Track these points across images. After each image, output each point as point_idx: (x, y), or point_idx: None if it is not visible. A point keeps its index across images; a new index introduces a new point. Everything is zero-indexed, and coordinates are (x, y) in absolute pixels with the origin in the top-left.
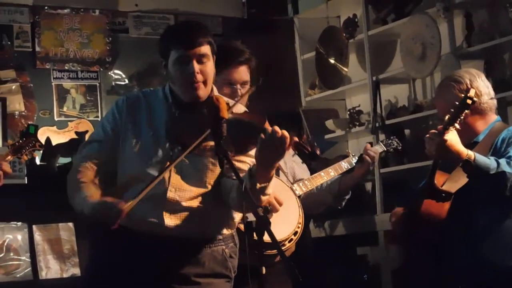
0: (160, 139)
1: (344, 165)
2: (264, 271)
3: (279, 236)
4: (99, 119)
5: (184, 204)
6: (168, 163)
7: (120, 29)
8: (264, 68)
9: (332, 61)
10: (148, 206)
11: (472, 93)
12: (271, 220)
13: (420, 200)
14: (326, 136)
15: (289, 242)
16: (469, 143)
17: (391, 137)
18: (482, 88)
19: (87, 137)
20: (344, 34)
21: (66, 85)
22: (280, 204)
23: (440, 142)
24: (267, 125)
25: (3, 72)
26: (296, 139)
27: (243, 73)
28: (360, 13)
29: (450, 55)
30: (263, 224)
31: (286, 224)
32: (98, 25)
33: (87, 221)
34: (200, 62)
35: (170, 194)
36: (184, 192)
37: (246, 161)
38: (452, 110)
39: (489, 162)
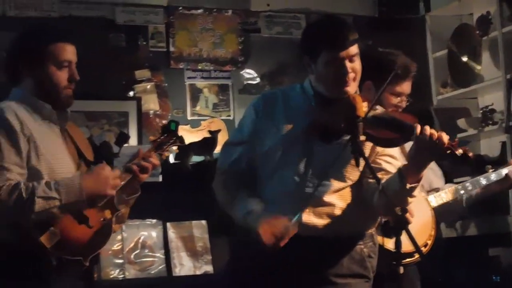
0: (298, 131)
1: (482, 181)
2: (402, 270)
3: (410, 247)
4: (231, 118)
5: (324, 199)
6: (305, 158)
7: (252, 29)
8: None
9: (464, 59)
10: (286, 203)
11: None
12: None
13: None
14: (458, 135)
15: None
16: None
17: None
18: None
19: (219, 136)
20: (477, 32)
21: (199, 84)
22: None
23: None
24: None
25: (139, 72)
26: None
27: (410, 86)
28: (494, 10)
29: None
30: (401, 223)
31: (418, 234)
32: (230, 25)
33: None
34: (351, 61)
35: (309, 189)
36: (323, 187)
37: (392, 163)
38: None
39: None
